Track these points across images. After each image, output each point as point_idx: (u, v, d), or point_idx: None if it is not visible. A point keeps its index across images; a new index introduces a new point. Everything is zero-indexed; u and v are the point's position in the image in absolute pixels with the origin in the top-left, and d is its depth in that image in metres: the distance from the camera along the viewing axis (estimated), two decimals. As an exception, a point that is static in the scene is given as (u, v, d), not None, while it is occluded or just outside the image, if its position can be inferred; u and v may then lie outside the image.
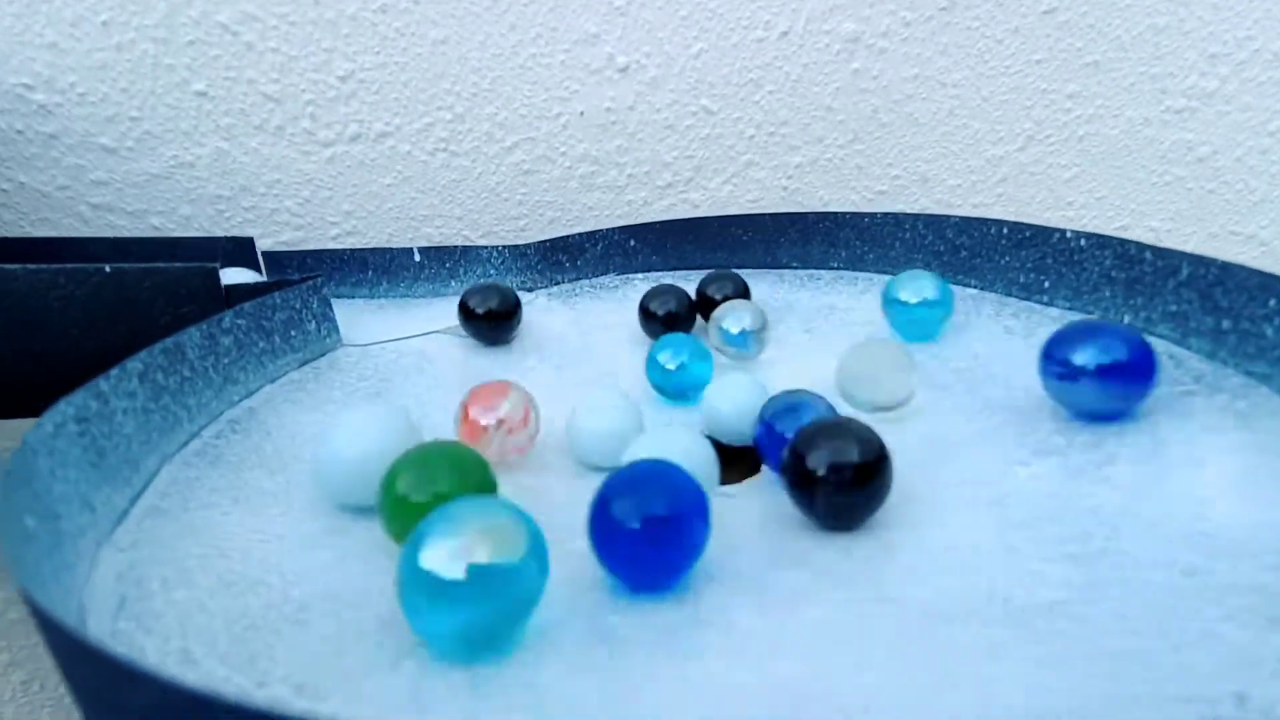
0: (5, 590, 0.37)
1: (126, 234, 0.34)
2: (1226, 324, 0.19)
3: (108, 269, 0.22)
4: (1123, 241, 0.22)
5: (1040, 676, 0.11)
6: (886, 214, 0.30)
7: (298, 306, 0.23)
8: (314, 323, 0.24)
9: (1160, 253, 0.21)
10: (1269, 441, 0.16)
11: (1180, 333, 0.21)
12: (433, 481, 0.13)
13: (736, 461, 0.20)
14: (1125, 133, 0.41)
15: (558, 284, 0.33)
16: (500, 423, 0.17)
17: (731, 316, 0.24)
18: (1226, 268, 0.19)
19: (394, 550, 0.15)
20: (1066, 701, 0.10)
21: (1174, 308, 0.21)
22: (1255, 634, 0.11)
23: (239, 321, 0.21)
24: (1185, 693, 0.10)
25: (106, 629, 0.12)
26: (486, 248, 0.32)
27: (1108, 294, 0.23)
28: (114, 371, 0.15)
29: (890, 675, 0.11)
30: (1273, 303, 0.18)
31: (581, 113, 0.36)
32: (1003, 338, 0.24)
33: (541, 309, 0.31)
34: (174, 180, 0.34)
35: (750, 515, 0.16)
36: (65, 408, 0.13)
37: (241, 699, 0.07)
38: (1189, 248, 0.45)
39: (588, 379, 0.25)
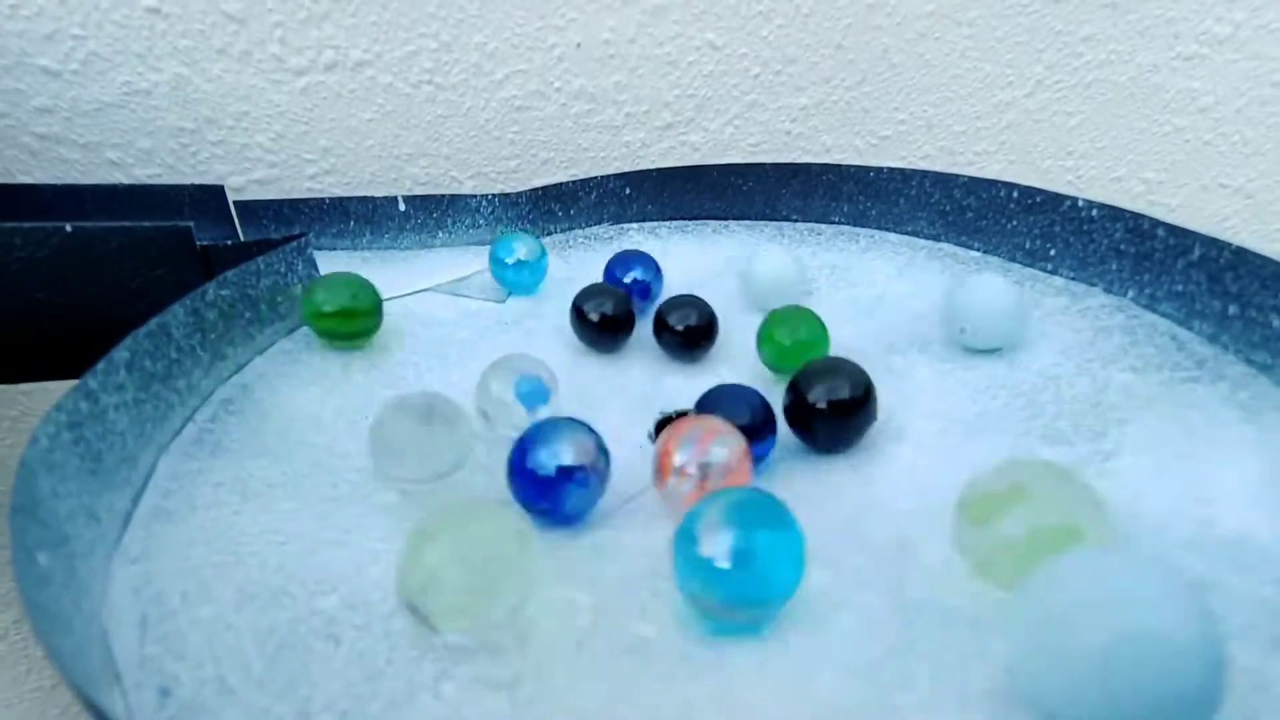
0: (-16, 537, 0.36)
1: (79, 169, 0.32)
2: (1233, 309, 0.19)
3: (68, 228, 0.20)
4: (1136, 215, 0.22)
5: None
6: (893, 169, 0.29)
7: (283, 270, 0.22)
8: (300, 286, 0.23)
9: (1174, 230, 0.21)
10: (1273, 438, 0.16)
11: (1184, 313, 0.21)
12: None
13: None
14: (1133, 79, 0.40)
15: (550, 234, 0.32)
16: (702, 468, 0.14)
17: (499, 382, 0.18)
18: (1241, 253, 0.19)
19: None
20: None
21: (1180, 287, 0.21)
22: (1262, 655, 0.11)
23: (223, 292, 0.19)
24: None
25: (134, 655, 0.11)
26: (475, 196, 0.30)
27: (1114, 267, 0.23)
28: (100, 365, 0.14)
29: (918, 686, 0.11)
30: (1288, 298, 0.18)
31: (578, 44, 0.34)
32: (1009, 310, 0.24)
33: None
34: (129, 110, 0.31)
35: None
36: (57, 415, 0.12)
37: None
38: (1179, 199, 0.45)
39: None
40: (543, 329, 0.24)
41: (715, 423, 0.15)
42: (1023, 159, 0.41)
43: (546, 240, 0.32)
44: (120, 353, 0.15)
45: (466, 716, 0.11)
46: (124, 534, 0.14)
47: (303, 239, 0.22)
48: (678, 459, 0.14)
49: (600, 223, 0.33)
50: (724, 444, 0.14)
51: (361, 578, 0.13)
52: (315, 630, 0.12)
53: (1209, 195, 0.44)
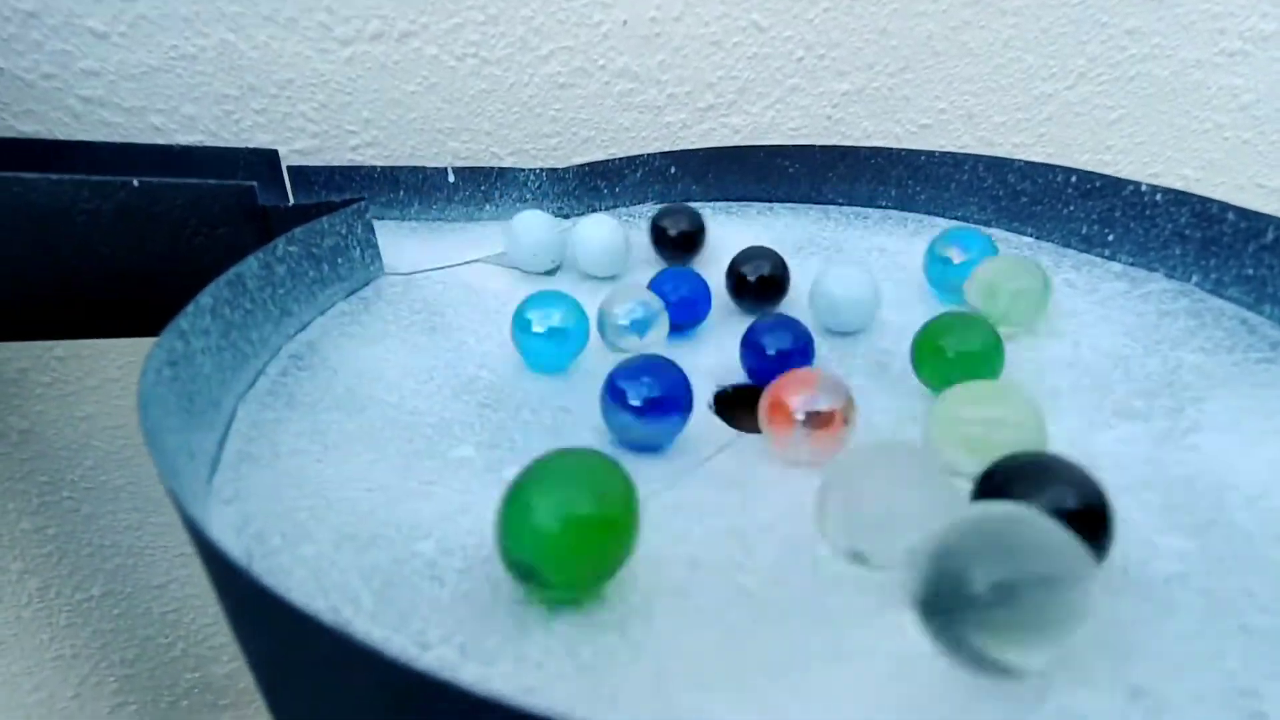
0: (17, 502, 0.36)
1: (122, 133, 0.32)
2: (1305, 293, 0.19)
3: (135, 183, 0.20)
4: (1204, 199, 0.22)
5: (1177, 649, 0.11)
6: (945, 153, 0.29)
7: (344, 232, 0.22)
8: (359, 249, 0.22)
9: (1245, 214, 0.21)
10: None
11: (1255, 297, 0.21)
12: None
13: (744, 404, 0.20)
14: (1175, 74, 0.39)
15: (595, 211, 0.32)
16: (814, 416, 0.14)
17: (621, 306, 0.19)
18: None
19: (499, 502, 0.14)
20: (1208, 677, 0.10)
21: (1251, 271, 0.21)
22: None
23: (291, 249, 0.19)
24: None
25: (239, 591, 0.11)
26: (524, 170, 0.30)
27: (1178, 251, 0.23)
28: (189, 309, 0.14)
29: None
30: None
31: (625, 21, 0.33)
32: (1064, 291, 0.24)
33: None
34: (174, 74, 0.31)
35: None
36: (159, 354, 0.12)
37: (454, 679, 0.07)
38: (1215, 198, 0.45)
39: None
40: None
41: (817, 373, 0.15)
42: (1061, 152, 0.41)
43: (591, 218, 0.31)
44: (205, 298, 0.15)
45: (581, 651, 0.11)
46: (214, 475, 0.14)
47: (361, 202, 0.22)
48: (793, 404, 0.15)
49: (645, 201, 0.32)
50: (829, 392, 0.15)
51: (453, 525, 0.13)
52: (419, 571, 0.12)
53: (1245, 195, 0.44)
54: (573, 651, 0.11)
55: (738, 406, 0.20)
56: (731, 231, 0.30)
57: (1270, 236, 0.20)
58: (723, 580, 0.12)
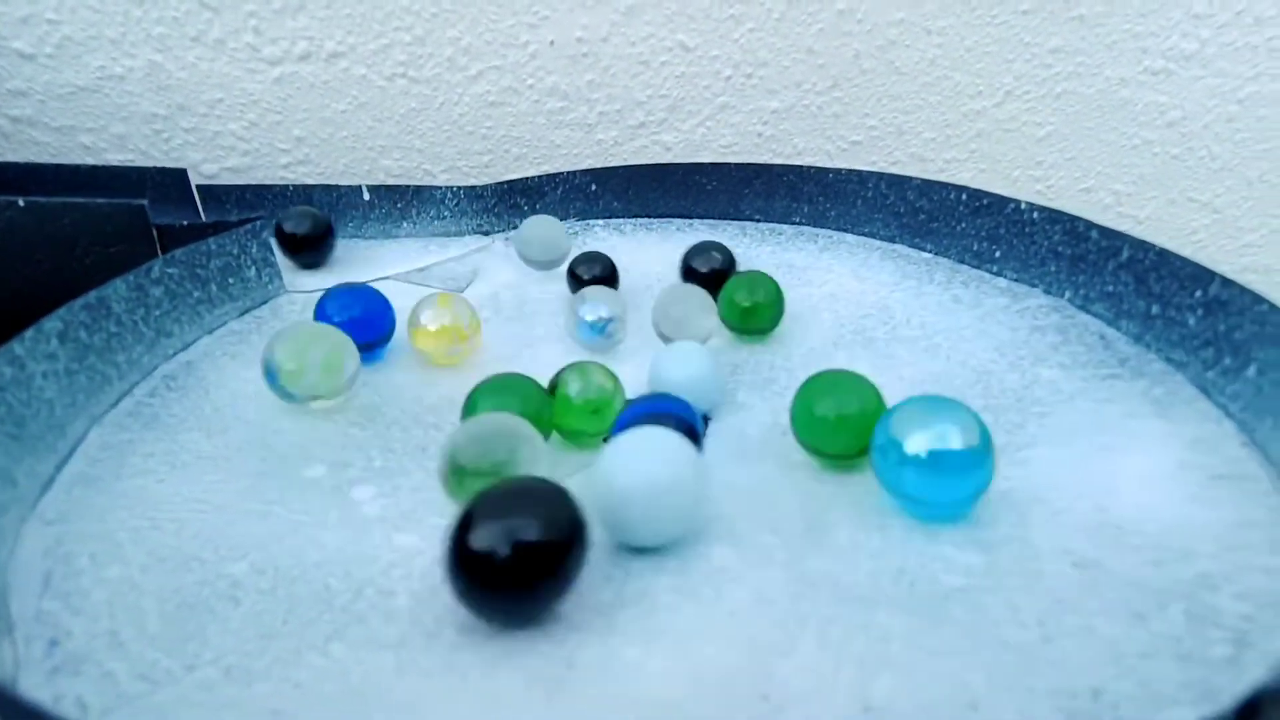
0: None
1: (52, 152, 0.32)
2: (1155, 309, 0.20)
3: (21, 202, 0.21)
4: (1073, 218, 0.23)
5: (936, 667, 0.11)
6: (850, 170, 0.30)
7: (235, 252, 0.22)
8: (254, 269, 0.23)
9: (1105, 233, 0.21)
10: (1180, 431, 0.17)
11: (1114, 314, 0.21)
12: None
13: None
14: (1101, 92, 0.40)
15: (515, 228, 0.32)
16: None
17: (588, 305, 0.22)
18: (1164, 254, 0.20)
19: (334, 522, 0.15)
20: (944, 691, 0.11)
21: (1111, 288, 0.21)
22: (1123, 629, 0.12)
23: (170, 270, 0.20)
24: (1050, 685, 0.11)
25: (31, 609, 0.12)
26: (440, 188, 0.31)
27: (1053, 268, 0.23)
28: (28, 333, 0.15)
29: (806, 657, 0.11)
30: (1199, 294, 0.18)
31: (551, 42, 0.34)
32: (950, 307, 0.24)
33: (499, 254, 0.30)
34: (103, 94, 0.32)
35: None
36: (-24, 378, 0.13)
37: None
38: (1148, 212, 0.45)
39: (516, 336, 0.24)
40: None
41: None
42: (993, 167, 0.41)
43: (511, 234, 0.32)
44: (52, 323, 0.15)
45: (350, 673, 0.11)
46: (42, 497, 0.14)
47: (256, 222, 0.23)
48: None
49: (566, 218, 0.33)
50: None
51: (277, 546, 0.14)
52: (219, 592, 0.12)
53: (1177, 209, 0.45)
54: (344, 672, 0.11)
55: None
56: (650, 246, 0.31)
57: (1126, 255, 0.20)
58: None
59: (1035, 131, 0.41)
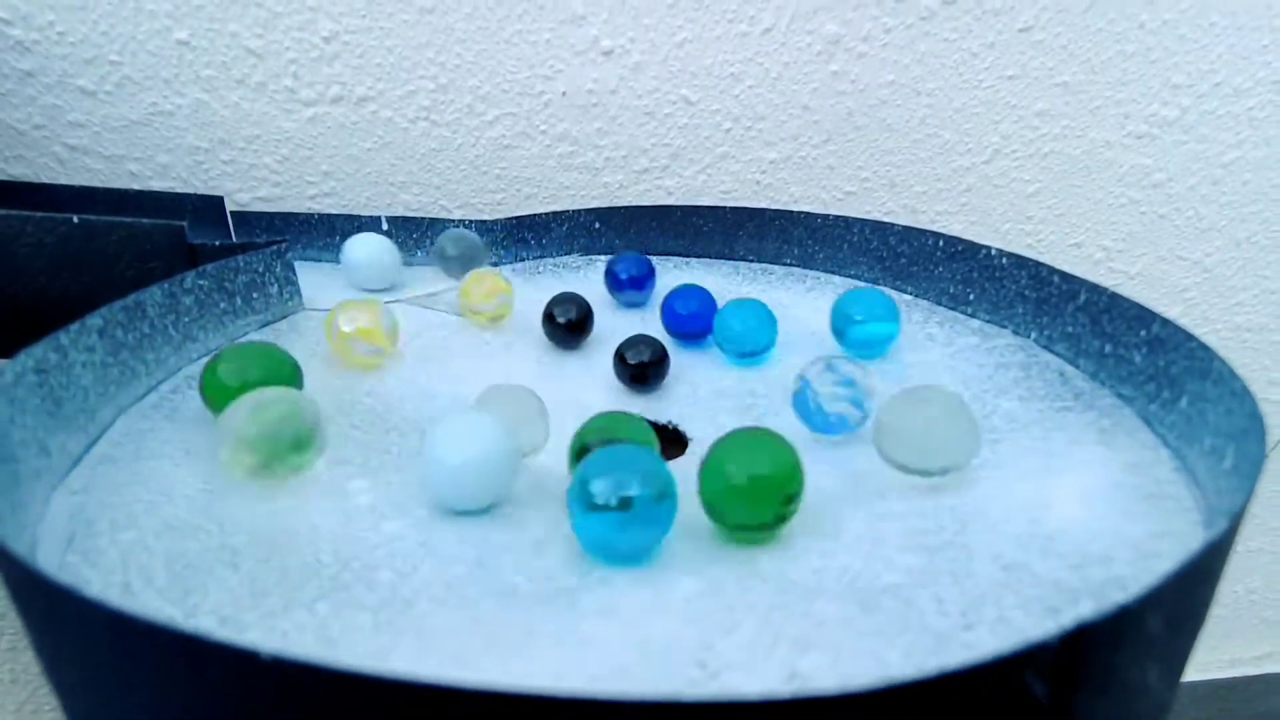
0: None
1: (102, 178, 0.35)
2: (1108, 348, 0.21)
3: (75, 219, 0.23)
4: (1037, 263, 0.24)
5: (860, 645, 0.12)
6: (837, 216, 0.32)
7: (260, 270, 0.24)
8: (276, 286, 0.25)
9: (1066, 277, 0.23)
10: (1120, 456, 0.18)
11: (1073, 353, 0.23)
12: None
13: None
14: (1087, 153, 0.42)
15: (522, 260, 0.34)
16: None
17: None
18: (1115, 297, 0.21)
19: (326, 503, 0.16)
20: (863, 665, 0.12)
21: (1070, 329, 0.23)
22: (1036, 620, 0.13)
23: (201, 282, 0.22)
24: (961, 662, 0.12)
25: (55, 561, 0.13)
26: (454, 221, 0.33)
27: (1020, 310, 0.25)
28: (74, 326, 0.16)
29: (745, 635, 0.12)
30: (1143, 333, 0.19)
31: (564, 92, 0.37)
32: (924, 344, 0.26)
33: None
34: (152, 128, 0.35)
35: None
36: (25, 359, 0.14)
37: (167, 622, 0.09)
38: (1138, 268, 0.47)
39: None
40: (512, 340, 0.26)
41: None
42: (983, 220, 0.43)
43: (519, 266, 0.34)
44: (94, 319, 0.17)
45: (331, 628, 0.12)
46: (71, 471, 0.16)
47: (281, 244, 0.25)
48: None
49: (570, 253, 0.35)
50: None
51: (274, 524, 0.15)
52: (221, 560, 0.14)
53: (1168, 265, 0.46)
54: (325, 628, 0.12)
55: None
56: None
57: (1083, 298, 0.22)
58: (497, 579, 0.14)
59: (1024, 188, 0.42)
